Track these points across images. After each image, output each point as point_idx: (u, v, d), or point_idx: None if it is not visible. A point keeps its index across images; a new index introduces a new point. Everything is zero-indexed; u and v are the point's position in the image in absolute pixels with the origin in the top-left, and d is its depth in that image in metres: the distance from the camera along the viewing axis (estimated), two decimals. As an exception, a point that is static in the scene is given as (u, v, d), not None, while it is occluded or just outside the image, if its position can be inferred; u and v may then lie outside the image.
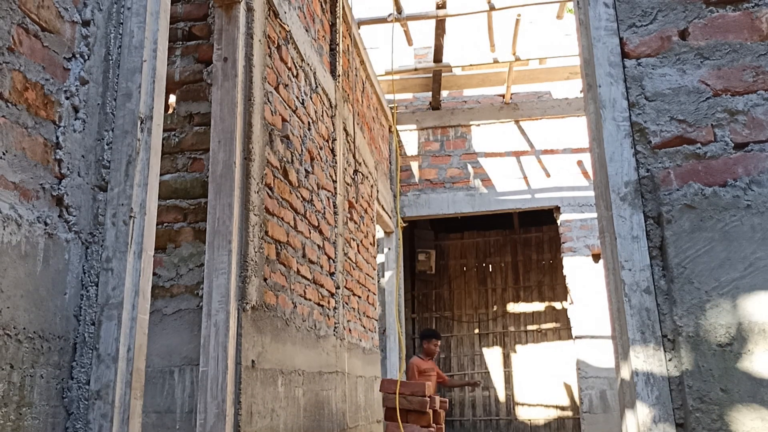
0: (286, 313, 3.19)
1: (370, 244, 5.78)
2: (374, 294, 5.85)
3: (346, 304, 4.60)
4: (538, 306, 9.67)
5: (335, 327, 4.17)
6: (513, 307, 9.75)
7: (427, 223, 9.20)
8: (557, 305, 9.54)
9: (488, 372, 9.55)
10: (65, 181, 1.61)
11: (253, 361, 2.72)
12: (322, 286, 3.92)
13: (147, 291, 1.74)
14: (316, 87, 4.11)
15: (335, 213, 4.39)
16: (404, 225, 7.52)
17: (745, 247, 1.55)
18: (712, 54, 1.69)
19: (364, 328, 5.25)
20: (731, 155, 1.62)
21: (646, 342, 1.55)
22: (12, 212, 1.42)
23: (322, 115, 4.25)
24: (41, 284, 1.50)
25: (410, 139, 7.88)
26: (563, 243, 7.20)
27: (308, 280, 3.64)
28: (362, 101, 5.96)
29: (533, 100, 7.77)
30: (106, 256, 1.67)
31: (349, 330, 4.63)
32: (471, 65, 7.29)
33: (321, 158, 4.13)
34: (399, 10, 6.40)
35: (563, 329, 9.24)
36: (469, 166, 7.63)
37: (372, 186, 5.98)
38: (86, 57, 1.72)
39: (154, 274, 2.83)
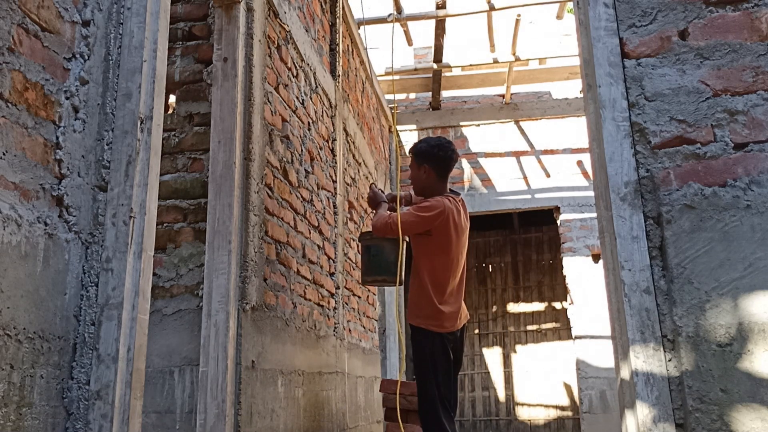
0: (286, 313, 3.19)
1: (370, 244, 5.77)
2: (374, 294, 5.85)
3: (346, 304, 4.60)
4: (538, 306, 9.66)
5: (335, 327, 4.17)
6: (513, 308, 9.74)
7: (427, 223, 9.18)
8: (557, 305, 9.53)
9: (488, 372, 9.55)
10: (65, 181, 1.61)
11: (253, 362, 2.72)
12: (322, 286, 3.92)
13: (147, 291, 1.74)
14: (316, 87, 4.11)
15: (335, 213, 4.39)
16: (404, 225, 7.50)
17: (745, 247, 1.55)
18: (712, 54, 1.69)
19: (364, 328, 5.25)
20: (731, 155, 1.62)
21: (646, 342, 1.55)
22: (12, 212, 1.42)
23: (322, 115, 4.24)
24: (41, 284, 1.50)
25: (410, 139, 7.88)
26: (563, 243, 7.20)
27: (308, 280, 3.64)
28: (362, 101, 5.96)
29: (533, 100, 7.76)
30: (106, 257, 1.67)
31: (349, 330, 4.62)
32: (471, 65, 7.28)
33: (321, 158, 4.12)
34: (399, 10, 6.40)
35: (563, 329, 9.23)
36: (469, 166, 7.62)
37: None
38: (86, 57, 1.72)
39: (154, 274, 2.83)
